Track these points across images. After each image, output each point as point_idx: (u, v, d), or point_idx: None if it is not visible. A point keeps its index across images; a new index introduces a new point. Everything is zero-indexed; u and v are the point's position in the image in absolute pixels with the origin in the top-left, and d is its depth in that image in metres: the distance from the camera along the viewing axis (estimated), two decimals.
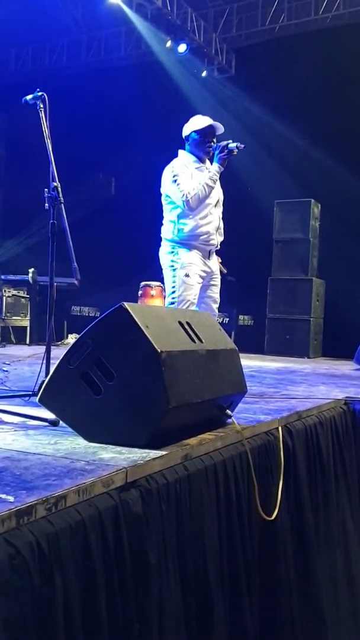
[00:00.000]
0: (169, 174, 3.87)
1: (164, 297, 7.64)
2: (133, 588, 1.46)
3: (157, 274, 8.00)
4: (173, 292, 3.90)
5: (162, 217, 4.11)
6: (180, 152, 4.05)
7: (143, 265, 9.04)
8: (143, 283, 7.54)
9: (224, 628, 1.85)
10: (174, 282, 3.90)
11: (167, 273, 3.95)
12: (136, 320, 1.85)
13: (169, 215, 3.96)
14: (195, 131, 3.97)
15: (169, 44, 9.26)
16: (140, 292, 7.49)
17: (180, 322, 2.16)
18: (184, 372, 1.97)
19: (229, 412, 2.29)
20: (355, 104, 8.34)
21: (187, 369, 2.00)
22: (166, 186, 3.89)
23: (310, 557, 2.49)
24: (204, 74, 9.90)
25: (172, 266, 3.91)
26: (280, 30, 9.36)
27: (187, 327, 2.17)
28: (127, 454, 1.74)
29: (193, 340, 2.15)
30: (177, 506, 1.72)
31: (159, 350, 1.83)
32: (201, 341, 2.20)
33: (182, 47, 9.19)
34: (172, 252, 3.93)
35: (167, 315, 2.16)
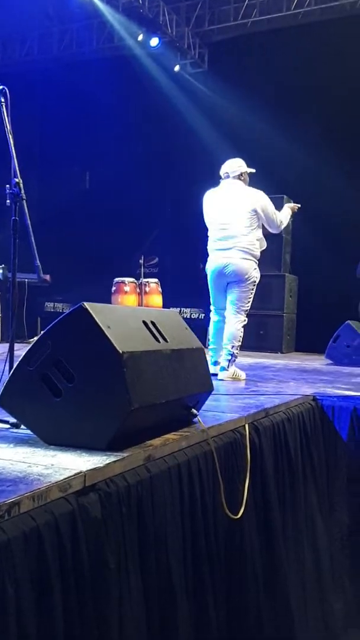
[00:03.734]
0: (266, 199, 4.49)
1: (138, 294, 7.66)
2: (91, 594, 1.44)
3: (131, 270, 8.01)
4: (248, 302, 4.45)
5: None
6: (251, 188, 4.61)
7: (118, 260, 9.01)
8: (117, 279, 7.49)
9: (188, 629, 1.84)
10: (251, 294, 4.45)
11: (248, 286, 4.39)
12: (97, 320, 1.82)
13: (256, 232, 4.43)
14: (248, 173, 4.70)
15: (141, 37, 9.19)
16: (113, 288, 7.45)
17: (144, 322, 2.14)
18: (147, 372, 1.94)
19: (194, 411, 2.28)
20: (328, 100, 8.39)
21: (151, 369, 1.98)
22: (268, 208, 4.46)
23: (278, 554, 2.50)
24: (176, 68, 9.85)
25: (254, 282, 4.43)
26: (253, 25, 9.34)
27: (151, 326, 2.15)
28: (87, 457, 1.72)
29: (157, 340, 2.13)
30: (138, 509, 1.70)
31: (121, 351, 1.81)
32: (166, 341, 2.18)
33: (154, 41, 9.12)
34: (256, 268, 4.43)
35: (131, 315, 2.13)
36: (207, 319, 11.51)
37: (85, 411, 1.84)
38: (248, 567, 2.29)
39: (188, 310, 11.26)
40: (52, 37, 10.83)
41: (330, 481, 3.22)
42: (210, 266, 4.53)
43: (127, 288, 7.26)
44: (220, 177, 4.67)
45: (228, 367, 4.27)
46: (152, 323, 2.16)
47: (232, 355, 4.29)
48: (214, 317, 4.66)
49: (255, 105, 8.61)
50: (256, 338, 8.18)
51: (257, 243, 4.40)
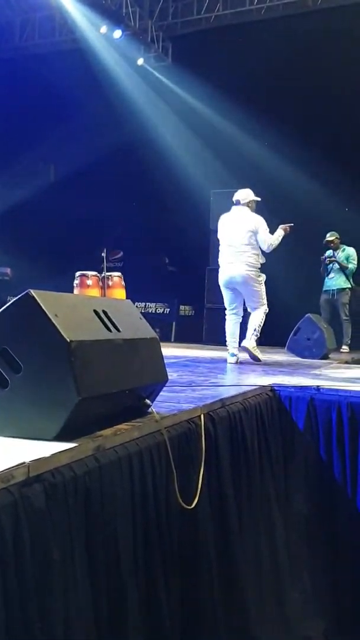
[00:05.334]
0: (263, 224, 5.54)
1: (101, 287, 7.60)
2: (34, 586, 1.41)
3: (96, 264, 7.94)
4: (263, 297, 5.59)
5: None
6: (255, 214, 5.67)
7: (83, 254, 8.92)
8: (79, 272, 7.41)
9: (139, 622, 1.83)
10: (263, 292, 5.60)
11: (258, 287, 5.56)
12: (44, 308, 1.78)
13: (257, 249, 5.56)
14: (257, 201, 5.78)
15: (103, 29, 9.10)
16: (76, 281, 7.36)
17: (95, 311, 2.11)
18: (97, 362, 1.91)
19: (148, 401, 2.26)
20: (290, 94, 8.46)
21: (101, 358, 1.95)
22: (261, 231, 5.50)
23: (233, 544, 2.50)
24: (140, 62, 9.79)
25: (260, 282, 5.58)
26: (216, 19, 9.36)
27: (102, 315, 2.12)
28: (34, 447, 1.68)
29: (109, 329, 2.10)
30: (86, 500, 1.67)
31: (68, 340, 1.77)
32: (118, 330, 2.15)
33: (117, 33, 9.05)
34: (260, 275, 5.59)
35: (81, 304, 2.10)
36: (173, 313, 11.49)
37: (32, 402, 1.80)
38: (202, 558, 2.28)
39: (153, 305, 11.24)
40: (14, 27, 10.64)
41: (287, 471, 3.24)
42: (223, 276, 5.64)
43: (89, 282, 7.19)
44: (232, 203, 5.75)
45: (252, 341, 5.47)
46: (104, 312, 2.12)
47: (256, 334, 5.52)
48: (228, 317, 5.76)
49: (219, 100, 8.64)
50: (221, 332, 8.20)
51: (258, 257, 5.53)
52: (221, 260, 5.65)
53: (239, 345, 5.59)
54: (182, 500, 2.15)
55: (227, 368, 4.69)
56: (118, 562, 1.76)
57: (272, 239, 5.53)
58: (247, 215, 5.55)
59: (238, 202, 5.66)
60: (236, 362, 5.39)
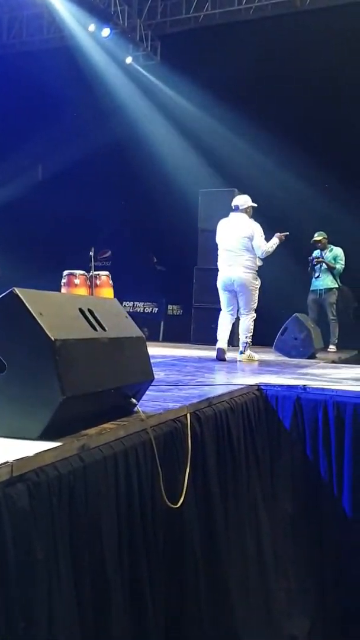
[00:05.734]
0: (259, 231, 5.80)
1: (89, 287, 7.57)
2: (16, 585, 1.40)
3: (84, 264, 7.91)
4: (254, 303, 5.85)
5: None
6: (251, 220, 5.93)
7: (71, 254, 8.88)
8: (67, 272, 7.38)
9: (124, 622, 1.82)
10: (255, 297, 5.86)
11: (254, 291, 5.84)
12: (28, 307, 1.77)
13: (254, 253, 5.81)
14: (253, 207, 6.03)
15: (92, 27, 9.06)
16: (63, 280, 7.34)
17: (80, 310, 2.10)
18: (82, 360, 1.91)
19: (134, 400, 2.25)
20: (278, 94, 8.48)
21: (86, 357, 1.94)
22: (256, 238, 5.76)
23: (219, 543, 2.50)
24: (128, 60, 9.77)
25: (256, 287, 5.85)
26: (205, 19, 9.36)
27: (88, 314, 2.11)
28: (18, 446, 1.67)
29: (94, 328, 2.09)
30: (70, 499, 1.67)
31: (53, 338, 1.76)
32: (103, 329, 2.14)
33: (105, 32, 9.03)
34: (256, 278, 5.86)
35: (67, 302, 2.09)
36: (161, 312, 11.48)
37: (16, 400, 1.79)
38: (188, 557, 2.28)
39: (142, 304, 11.23)
40: (1, 24, 10.58)
41: (273, 469, 3.25)
42: (221, 279, 5.89)
43: (77, 281, 7.17)
44: (231, 208, 5.99)
45: (244, 351, 5.77)
46: (89, 311, 2.12)
47: (246, 343, 5.78)
48: (224, 315, 5.99)
49: (208, 99, 8.64)
50: (208, 332, 8.21)
51: (255, 260, 5.79)
52: (220, 263, 5.91)
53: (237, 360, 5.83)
54: (167, 500, 2.15)
55: (215, 367, 4.70)
56: (103, 561, 1.76)
57: (267, 246, 5.76)
58: (244, 221, 5.82)
59: (237, 208, 5.92)
60: (222, 354, 5.66)
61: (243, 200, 5.98)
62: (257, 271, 5.84)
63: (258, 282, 5.85)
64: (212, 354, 6.40)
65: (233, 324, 6.03)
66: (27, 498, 1.49)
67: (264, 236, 5.78)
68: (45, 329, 1.76)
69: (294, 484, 3.28)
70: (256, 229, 5.78)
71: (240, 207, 5.91)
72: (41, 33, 10.42)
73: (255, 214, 6.07)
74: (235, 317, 5.98)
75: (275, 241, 5.84)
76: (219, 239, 5.96)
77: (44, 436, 1.76)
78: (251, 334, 5.82)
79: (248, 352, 5.77)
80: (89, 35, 9.34)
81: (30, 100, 10.29)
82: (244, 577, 2.78)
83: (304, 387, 3.33)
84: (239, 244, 5.77)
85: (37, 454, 1.61)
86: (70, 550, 1.64)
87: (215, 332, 8.24)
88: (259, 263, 5.86)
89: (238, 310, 5.95)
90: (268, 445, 3.25)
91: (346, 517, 3.09)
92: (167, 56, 10.01)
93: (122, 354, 2.21)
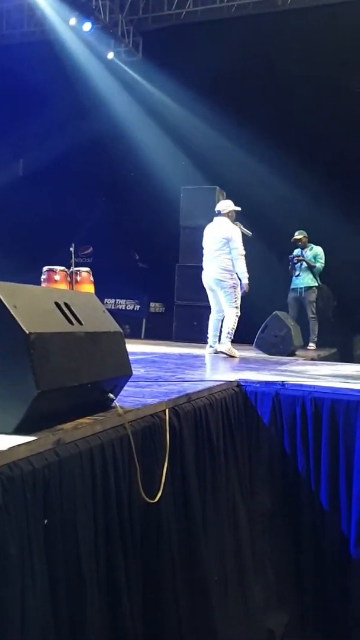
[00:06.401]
0: (237, 234, 6.07)
1: (69, 283, 7.51)
2: None
3: (64, 260, 7.85)
4: (235, 300, 6.04)
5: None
6: (232, 224, 6.20)
7: (51, 249, 8.81)
8: (47, 267, 7.32)
9: (99, 620, 1.80)
10: (235, 294, 6.04)
11: (229, 290, 6.04)
12: (2, 299, 1.74)
13: (229, 255, 6.07)
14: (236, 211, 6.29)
15: (73, 21, 8.99)
16: (43, 276, 7.27)
17: (57, 303, 2.07)
18: (58, 354, 1.88)
19: (111, 395, 2.24)
20: (261, 93, 8.50)
21: (62, 351, 1.92)
22: (234, 240, 6.04)
23: (196, 538, 2.50)
24: (110, 56, 9.72)
25: (233, 286, 6.05)
26: (187, 16, 9.34)
27: (64, 308, 2.09)
28: None
29: (70, 322, 2.07)
30: (45, 493, 1.65)
31: (27, 332, 1.74)
32: (80, 323, 2.12)
33: (86, 26, 8.96)
34: (232, 277, 6.05)
35: (42, 296, 2.06)
36: (143, 310, 11.45)
37: None
38: (165, 552, 2.27)
39: (123, 301, 11.18)
40: None
41: (252, 465, 3.25)
42: (203, 279, 6.26)
43: (57, 277, 7.11)
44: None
45: (225, 343, 5.89)
46: (66, 304, 2.09)
47: (230, 337, 5.92)
48: (212, 314, 6.34)
49: (189, 96, 8.63)
50: (190, 329, 8.23)
51: (230, 261, 6.04)
52: (203, 264, 6.29)
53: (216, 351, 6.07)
54: (145, 495, 2.14)
55: (196, 364, 4.70)
56: (78, 558, 1.74)
57: (242, 251, 6.05)
58: (224, 225, 6.14)
59: (219, 213, 6.25)
60: (214, 353, 6.03)
61: (225, 205, 6.28)
62: (232, 272, 6.04)
63: (235, 282, 6.03)
64: (194, 351, 6.41)
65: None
66: (0, 492, 1.47)
67: (241, 241, 6.08)
68: (19, 322, 1.74)
69: (272, 479, 3.29)
70: (234, 232, 6.06)
71: (222, 212, 6.21)
72: (22, 26, 10.32)
73: (242, 210, 6.21)
74: (222, 315, 6.15)
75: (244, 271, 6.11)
76: (203, 242, 6.31)
77: (18, 430, 1.74)
78: (233, 330, 5.95)
79: (229, 344, 5.88)
80: (70, 30, 9.27)
81: (10, 95, 10.17)
82: (222, 571, 2.78)
83: (283, 384, 3.34)
84: (216, 245, 6.07)
85: (10, 448, 1.59)
86: (45, 547, 1.62)
87: (197, 329, 8.31)
88: (240, 270, 6.04)
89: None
90: (247, 441, 3.26)
91: (323, 511, 3.11)
92: (149, 52, 9.97)
93: (99, 348, 2.19)
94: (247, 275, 6.05)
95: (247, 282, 6.06)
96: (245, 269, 6.04)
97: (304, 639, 3.14)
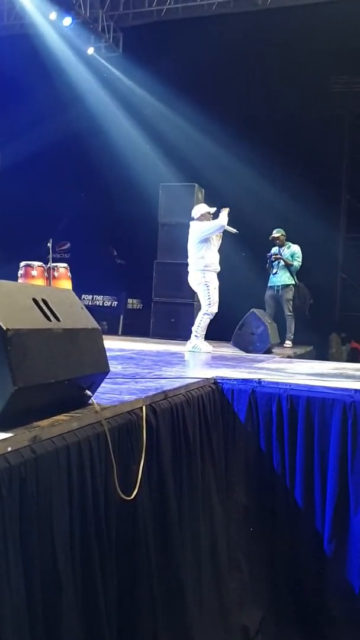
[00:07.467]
0: (203, 224, 6.28)
1: (47, 278, 7.46)
2: None
3: (42, 255, 7.78)
4: (208, 299, 6.25)
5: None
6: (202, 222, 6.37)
7: (29, 245, 8.73)
8: (24, 263, 7.25)
9: (74, 617, 1.80)
10: (207, 293, 6.25)
11: (199, 287, 6.32)
12: None
13: (200, 253, 6.25)
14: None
15: (53, 15, 8.90)
16: (20, 272, 7.20)
17: (34, 299, 2.06)
18: (35, 351, 1.87)
19: (88, 392, 2.23)
20: (238, 90, 8.53)
21: (39, 348, 1.91)
22: (203, 227, 6.25)
23: (172, 535, 2.51)
24: (90, 51, 9.65)
25: (205, 284, 6.27)
26: (168, 12, 9.32)
27: (42, 304, 2.07)
28: None
29: (48, 319, 2.06)
30: (21, 490, 1.64)
31: (5, 328, 1.73)
32: (58, 319, 2.11)
33: (67, 21, 8.88)
34: (204, 276, 6.27)
35: (20, 292, 2.05)
36: (121, 306, 11.40)
37: None
38: (141, 549, 2.28)
39: (101, 297, 11.13)
40: None
41: (228, 462, 3.28)
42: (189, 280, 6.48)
43: (34, 272, 7.05)
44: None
45: (192, 342, 6.15)
46: (44, 301, 2.08)
47: (196, 336, 6.20)
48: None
49: (169, 93, 8.62)
50: (167, 326, 8.23)
51: (201, 260, 6.22)
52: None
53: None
54: (121, 492, 2.14)
55: (173, 361, 4.70)
56: (54, 555, 1.74)
57: (220, 220, 6.20)
58: (194, 227, 6.35)
59: (193, 218, 6.44)
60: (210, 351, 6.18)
61: (196, 210, 6.48)
62: (203, 270, 6.22)
63: (206, 281, 6.22)
64: (171, 348, 6.41)
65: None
66: None
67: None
68: None
69: (248, 476, 3.31)
70: (200, 225, 6.28)
71: (195, 217, 6.41)
72: (1, 20, 10.18)
73: (217, 206, 6.25)
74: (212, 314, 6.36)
75: (223, 214, 6.24)
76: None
77: None
78: (201, 328, 6.20)
79: (194, 342, 6.14)
80: (50, 24, 9.17)
81: None
82: (197, 568, 2.80)
83: (259, 381, 3.36)
84: (190, 249, 6.31)
85: None
86: (20, 544, 1.61)
87: (175, 326, 8.32)
88: (207, 262, 6.20)
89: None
90: (223, 438, 3.28)
91: (298, 507, 3.15)
92: (129, 49, 9.92)
93: (77, 345, 2.19)
94: (223, 221, 6.20)
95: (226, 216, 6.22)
96: (218, 220, 6.21)
97: (278, 635, 3.17)
